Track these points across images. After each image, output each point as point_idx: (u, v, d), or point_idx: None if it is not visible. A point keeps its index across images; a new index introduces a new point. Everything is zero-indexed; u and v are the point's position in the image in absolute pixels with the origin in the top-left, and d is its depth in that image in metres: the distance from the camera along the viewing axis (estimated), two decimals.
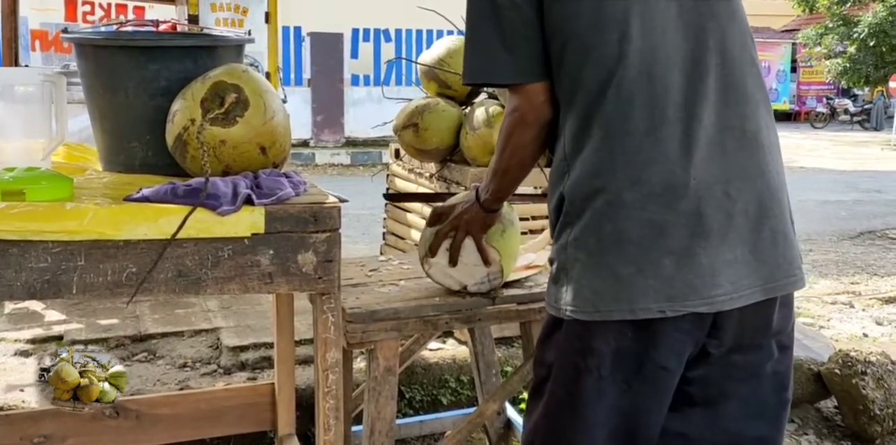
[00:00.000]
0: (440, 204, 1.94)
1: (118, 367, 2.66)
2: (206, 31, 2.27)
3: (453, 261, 1.88)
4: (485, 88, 3.19)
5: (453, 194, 2.09)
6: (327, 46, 15.44)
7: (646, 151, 1.43)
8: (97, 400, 2.41)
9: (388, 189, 4.03)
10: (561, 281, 1.51)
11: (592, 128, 1.45)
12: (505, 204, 1.89)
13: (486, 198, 1.78)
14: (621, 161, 1.44)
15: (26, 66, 6.39)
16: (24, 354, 3.29)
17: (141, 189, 1.56)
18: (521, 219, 2.07)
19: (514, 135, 1.58)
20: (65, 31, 1.92)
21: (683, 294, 1.42)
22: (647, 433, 1.53)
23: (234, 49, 1.91)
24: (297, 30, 15.10)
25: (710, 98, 1.45)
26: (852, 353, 3.17)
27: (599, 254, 1.45)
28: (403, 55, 15.50)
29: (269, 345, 3.14)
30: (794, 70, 25.73)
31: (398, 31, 15.98)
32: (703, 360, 1.52)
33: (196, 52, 1.80)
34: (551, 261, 1.55)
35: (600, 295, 1.45)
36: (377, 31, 15.92)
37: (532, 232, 3.12)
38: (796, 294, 1.62)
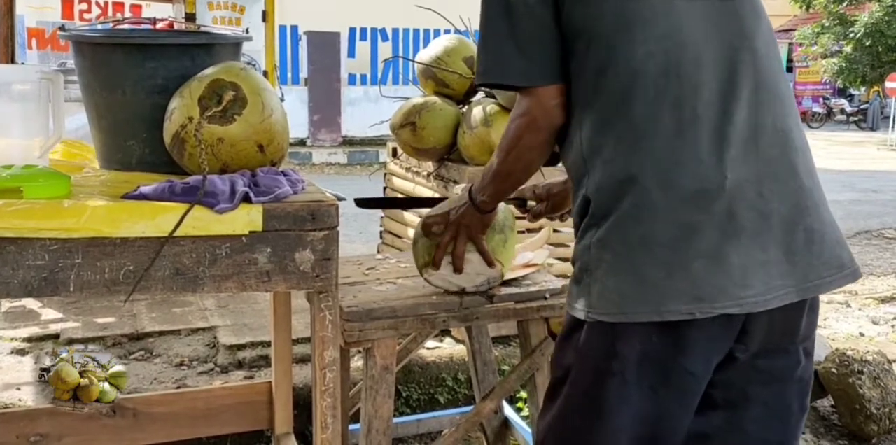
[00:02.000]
0: (429, 212, 1.89)
1: (118, 367, 2.66)
2: (203, 29, 2.27)
3: (458, 270, 1.88)
4: (493, 89, 3.18)
5: (432, 199, 2.07)
6: (324, 45, 15.43)
7: (676, 152, 1.39)
8: (97, 400, 2.40)
9: (385, 188, 4.03)
10: (584, 282, 1.46)
11: (616, 129, 1.42)
12: (505, 207, 1.89)
13: (483, 199, 1.75)
14: (650, 162, 1.39)
15: (23, 64, 6.38)
16: (21, 352, 3.29)
17: (139, 187, 1.56)
18: (518, 218, 2.06)
19: (524, 139, 1.54)
20: (62, 28, 1.92)
21: (713, 295, 1.38)
22: (672, 439, 1.49)
23: (232, 47, 1.91)
24: (294, 29, 15.08)
25: (741, 96, 1.42)
26: (849, 352, 3.17)
27: (626, 256, 1.41)
28: (401, 54, 15.49)
29: (267, 344, 3.14)
30: (790, 70, 25.74)
31: (395, 31, 15.97)
32: (728, 364, 1.48)
33: (193, 49, 1.80)
34: (573, 262, 1.51)
35: (626, 297, 1.41)
36: (374, 30, 15.91)
37: (529, 231, 3.12)
38: None
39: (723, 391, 1.50)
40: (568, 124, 1.51)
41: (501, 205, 1.87)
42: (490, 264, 1.88)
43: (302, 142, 14.94)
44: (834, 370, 3.14)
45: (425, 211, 1.96)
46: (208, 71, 1.69)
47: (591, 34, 1.43)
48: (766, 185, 1.42)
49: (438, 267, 1.87)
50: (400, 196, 3.86)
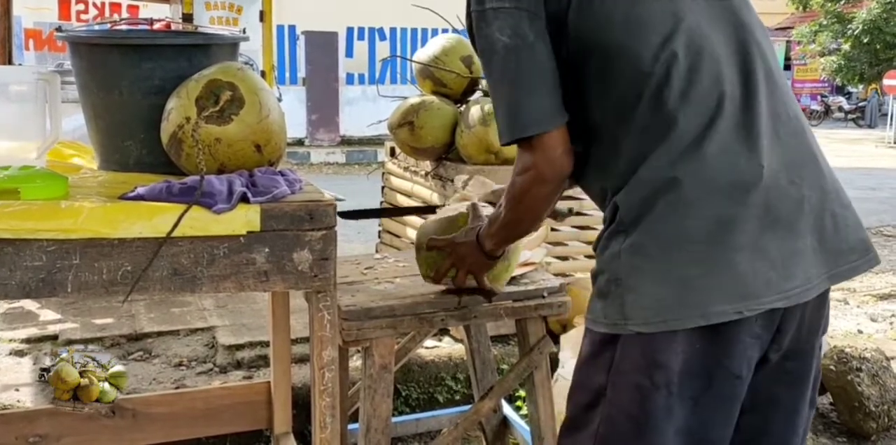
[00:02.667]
0: (435, 235, 1.86)
1: (118, 367, 2.66)
2: (200, 29, 2.27)
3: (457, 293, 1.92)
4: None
5: (422, 208, 2.06)
6: (322, 45, 15.43)
7: (707, 146, 1.36)
8: (97, 400, 2.40)
9: (383, 187, 4.04)
10: (613, 294, 1.39)
11: (644, 132, 1.39)
12: None
13: (491, 247, 1.72)
14: (680, 158, 1.36)
15: (20, 65, 6.37)
16: (20, 354, 3.28)
17: (136, 187, 1.56)
18: None
19: (531, 192, 1.47)
20: (59, 29, 1.92)
21: (758, 290, 1.34)
22: None
23: (229, 47, 1.91)
24: (292, 28, 15.08)
25: (759, 87, 1.42)
26: (847, 350, 3.18)
27: (661, 259, 1.36)
28: (398, 53, 15.49)
29: (265, 344, 3.14)
30: (788, 68, 25.75)
31: (393, 30, 15.97)
32: (761, 366, 1.44)
33: (190, 50, 1.80)
34: (596, 275, 1.45)
35: (665, 303, 1.35)
36: (372, 30, 15.90)
37: None
38: None
39: (752, 394, 1.46)
40: (590, 142, 1.46)
41: None
42: (486, 295, 1.91)
43: (300, 142, 14.94)
44: (832, 367, 3.15)
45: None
46: (205, 71, 1.69)
47: (604, 45, 1.39)
48: (794, 172, 1.41)
49: (438, 283, 1.91)
50: (398, 195, 3.86)
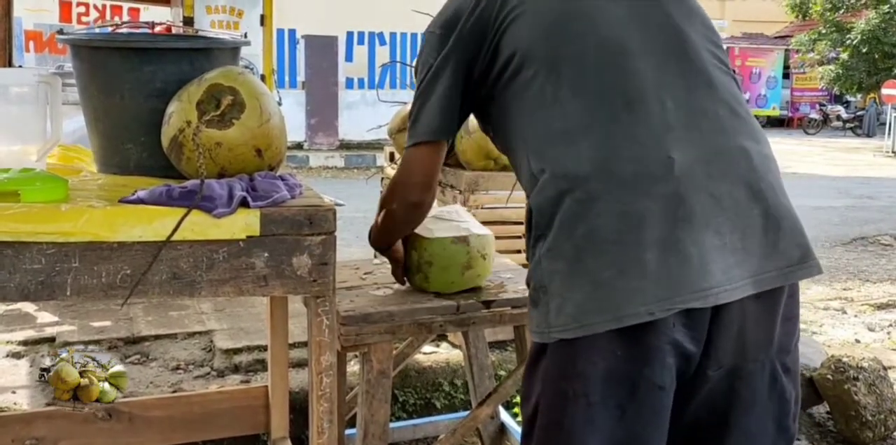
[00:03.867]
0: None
1: (118, 367, 2.66)
2: (201, 33, 2.27)
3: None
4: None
5: None
6: (322, 49, 15.44)
7: (611, 139, 1.36)
8: (97, 400, 2.40)
9: (381, 192, 4.03)
10: (540, 302, 1.39)
11: (552, 133, 1.41)
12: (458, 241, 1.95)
13: (374, 242, 1.92)
14: (586, 153, 1.36)
15: (20, 67, 6.37)
16: (17, 356, 3.28)
17: (136, 191, 1.56)
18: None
19: (397, 191, 1.71)
20: (60, 32, 1.92)
21: (672, 290, 1.30)
22: None
23: (230, 51, 1.91)
24: (292, 32, 15.10)
25: (675, 83, 1.42)
26: (844, 359, 3.18)
27: (577, 261, 1.34)
28: (398, 58, 15.50)
29: (263, 348, 3.13)
30: (787, 76, 25.81)
31: (392, 35, 15.99)
32: (702, 384, 1.40)
33: (192, 54, 1.80)
34: (528, 283, 1.47)
35: (582, 308, 1.33)
36: (371, 35, 15.92)
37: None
38: None
39: (708, 414, 1.43)
40: (511, 149, 1.53)
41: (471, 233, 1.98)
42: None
43: (299, 146, 14.94)
44: (829, 376, 3.15)
45: None
46: (207, 75, 1.69)
47: (518, 50, 1.46)
48: (714, 166, 1.37)
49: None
50: None
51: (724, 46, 1.61)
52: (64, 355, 2.69)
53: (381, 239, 1.90)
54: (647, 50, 1.44)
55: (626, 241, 1.32)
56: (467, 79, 1.53)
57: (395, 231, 1.86)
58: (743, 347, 1.39)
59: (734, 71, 1.58)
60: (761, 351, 1.42)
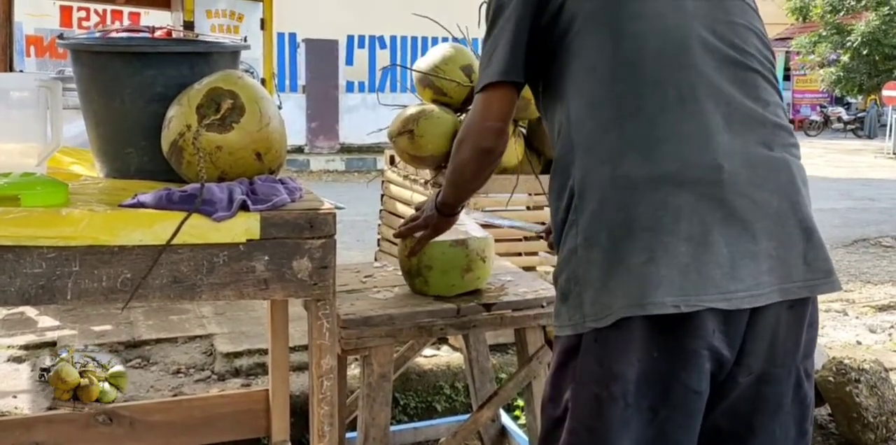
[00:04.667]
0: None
1: (118, 367, 2.65)
2: (201, 37, 2.27)
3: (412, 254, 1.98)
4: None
5: None
6: (322, 53, 15.45)
7: (659, 129, 1.35)
8: (97, 400, 2.40)
9: (382, 195, 4.04)
10: (572, 294, 1.38)
11: (600, 110, 1.40)
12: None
13: (446, 201, 1.80)
14: (632, 140, 1.36)
15: (21, 71, 6.38)
16: (18, 360, 3.28)
17: (136, 195, 1.56)
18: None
19: (472, 136, 1.59)
20: (61, 37, 1.93)
21: (700, 286, 1.29)
22: None
23: (230, 55, 1.92)
24: (293, 36, 15.11)
25: (729, 86, 1.41)
26: (846, 361, 3.17)
27: (613, 249, 1.33)
28: (398, 61, 15.51)
29: (264, 352, 3.13)
30: (787, 78, 25.82)
31: (393, 38, 16.00)
32: (731, 389, 1.40)
33: (192, 58, 1.81)
34: (557, 276, 1.45)
35: (614, 294, 1.32)
36: (372, 38, 15.93)
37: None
38: None
39: (729, 420, 1.43)
40: (555, 119, 1.51)
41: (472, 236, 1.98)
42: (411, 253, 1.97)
43: (300, 150, 14.95)
44: (831, 378, 3.14)
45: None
46: (206, 79, 1.70)
47: (581, 15, 1.44)
48: (758, 174, 1.37)
49: (415, 255, 1.98)
50: (398, 204, 3.86)
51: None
52: (64, 355, 2.68)
53: (449, 194, 1.78)
54: (708, 48, 1.43)
55: (660, 230, 1.32)
56: (534, 26, 1.50)
57: (466, 183, 1.71)
58: (773, 354, 1.41)
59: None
60: (788, 357, 1.43)
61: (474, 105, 1.57)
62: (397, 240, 2.04)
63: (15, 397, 2.92)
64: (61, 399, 2.43)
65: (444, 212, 1.83)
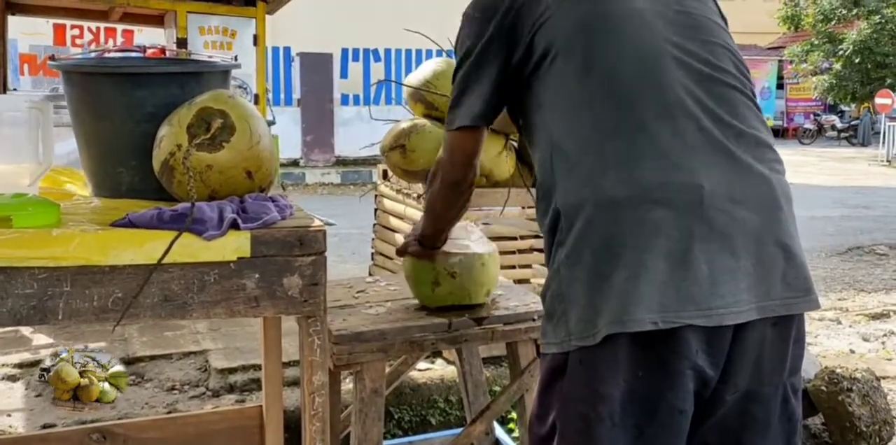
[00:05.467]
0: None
1: (118, 367, 2.64)
2: (193, 55, 2.30)
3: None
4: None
5: None
6: (317, 66, 15.50)
7: (638, 147, 1.37)
8: (97, 400, 2.39)
9: (375, 209, 4.05)
10: (557, 312, 1.40)
11: (579, 133, 1.42)
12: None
13: (427, 234, 1.93)
14: (612, 159, 1.37)
15: (15, 89, 6.40)
16: (12, 379, 3.28)
17: (127, 214, 1.57)
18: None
19: (444, 174, 1.73)
20: (52, 58, 1.94)
21: (678, 303, 1.30)
22: None
23: (221, 74, 1.93)
24: (287, 50, 15.16)
25: (708, 102, 1.42)
26: (838, 370, 3.18)
27: (595, 267, 1.35)
28: (393, 75, 15.56)
29: (258, 367, 3.13)
30: (781, 86, 25.92)
31: (387, 51, 16.06)
32: (718, 406, 1.41)
33: (182, 78, 1.82)
34: (544, 294, 1.47)
35: (599, 312, 1.33)
36: (366, 51, 15.99)
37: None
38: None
39: (718, 437, 1.44)
40: (538, 147, 1.54)
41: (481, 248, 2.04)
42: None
43: (295, 163, 14.97)
44: (823, 388, 3.15)
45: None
46: (197, 99, 1.71)
47: (554, 44, 1.47)
48: (738, 190, 1.38)
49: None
50: (391, 218, 3.87)
51: None
52: (64, 355, 2.67)
53: (427, 226, 1.90)
54: (683, 67, 1.44)
55: (640, 247, 1.33)
56: (505, 66, 1.54)
57: (440, 215, 1.86)
58: (759, 372, 1.41)
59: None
60: (775, 374, 1.43)
61: (444, 141, 1.68)
62: (394, 256, 2.09)
63: (9, 415, 2.92)
64: (61, 399, 2.42)
65: (426, 245, 1.94)
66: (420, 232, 1.92)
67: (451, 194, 1.74)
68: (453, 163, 1.68)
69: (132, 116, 1.77)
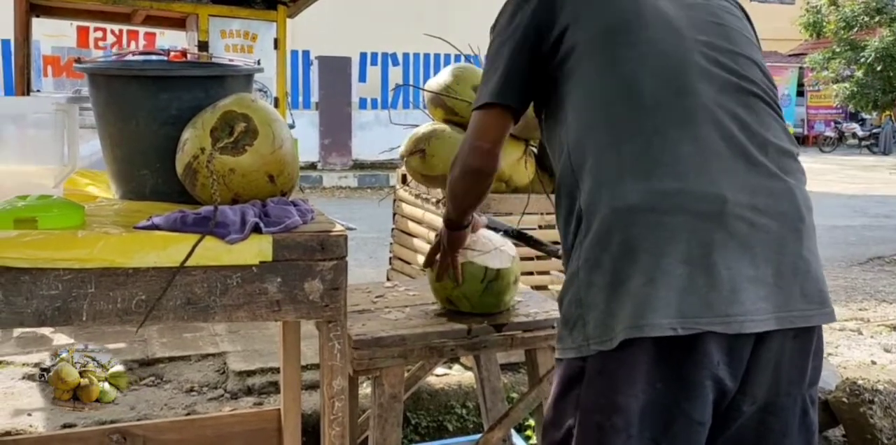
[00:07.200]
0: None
1: (118, 367, 2.64)
2: (215, 59, 2.30)
3: (457, 280, 1.99)
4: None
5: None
6: (335, 70, 15.56)
7: (657, 151, 1.36)
8: (97, 400, 2.39)
9: (394, 214, 4.06)
10: (574, 317, 1.39)
11: (600, 135, 1.42)
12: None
13: (451, 217, 1.86)
14: (630, 163, 1.36)
15: (38, 91, 6.46)
16: (32, 378, 3.30)
17: (151, 217, 1.58)
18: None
19: (468, 153, 1.64)
20: (78, 60, 1.96)
21: (698, 309, 1.29)
22: None
23: (244, 78, 1.94)
24: (306, 53, 15.23)
25: (732, 111, 1.42)
26: (860, 382, 3.16)
27: (614, 271, 1.33)
28: (411, 79, 15.60)
29: (277, 370, 3.14)
30: (801, 94, 25.76)
31: (406, 55, 16.10)
32: (735, 418, 1.40)
33: (207, 81, 1.83)
34: (561, 299, 1.45)
35: (617, 316, 1.32)
36: (385, 55, 16.04)
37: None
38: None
39: None
40: (556, 143, 1.53)
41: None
42: (456, 280, 1.99)
43: (313, 166, 15.02)
44: (845, 399, 3.12)
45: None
46: (220, 102, 1.72)
47: (579, 44, 1.47)
48: (759, 199, 1.37)
49: (441, 279, 2.00)
50: (410, 222, 3.88)
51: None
52: (64, 355, 2.68)
53: (449, 209, 1.84)
54: (708, 75, 1.44)
55: (658, 252, 1.31)
56: (534, 53, 1.53)
57: (460, 199, 1.76)
58: (778, 383, 1.40)
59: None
60: (794, 386, 1.42)
61: (470, 123, 1.62)
62: (412, 261, 2.08)
63: (30, 415, 2.94)
64: (61, 399, 2.42)
65: (450, 227, 1.90)
66: (444, 215, 1.88)
67: (470, 180, 1.65)
68: (472, 148, 1.60)
69: (157, 119, 1.78)
